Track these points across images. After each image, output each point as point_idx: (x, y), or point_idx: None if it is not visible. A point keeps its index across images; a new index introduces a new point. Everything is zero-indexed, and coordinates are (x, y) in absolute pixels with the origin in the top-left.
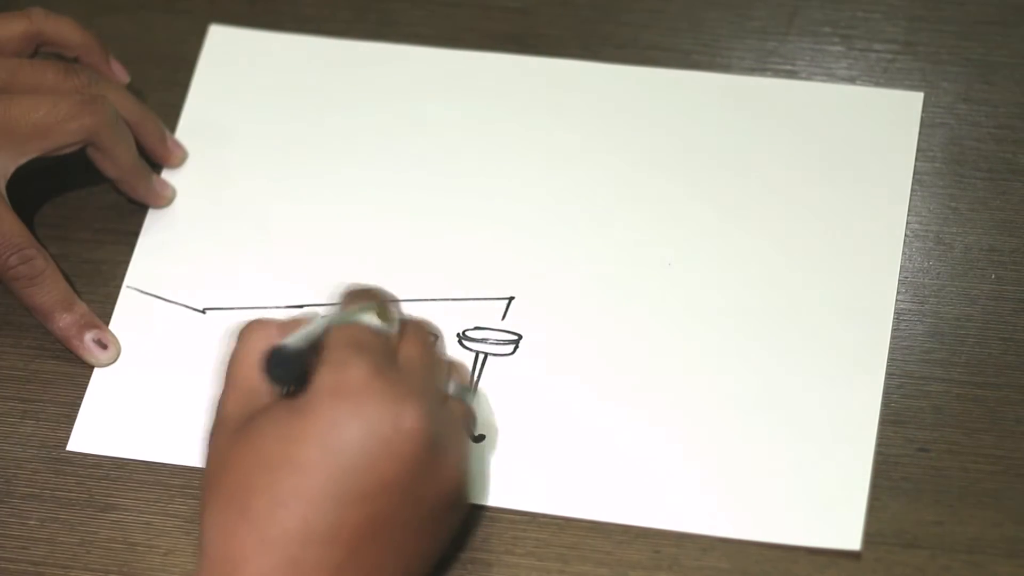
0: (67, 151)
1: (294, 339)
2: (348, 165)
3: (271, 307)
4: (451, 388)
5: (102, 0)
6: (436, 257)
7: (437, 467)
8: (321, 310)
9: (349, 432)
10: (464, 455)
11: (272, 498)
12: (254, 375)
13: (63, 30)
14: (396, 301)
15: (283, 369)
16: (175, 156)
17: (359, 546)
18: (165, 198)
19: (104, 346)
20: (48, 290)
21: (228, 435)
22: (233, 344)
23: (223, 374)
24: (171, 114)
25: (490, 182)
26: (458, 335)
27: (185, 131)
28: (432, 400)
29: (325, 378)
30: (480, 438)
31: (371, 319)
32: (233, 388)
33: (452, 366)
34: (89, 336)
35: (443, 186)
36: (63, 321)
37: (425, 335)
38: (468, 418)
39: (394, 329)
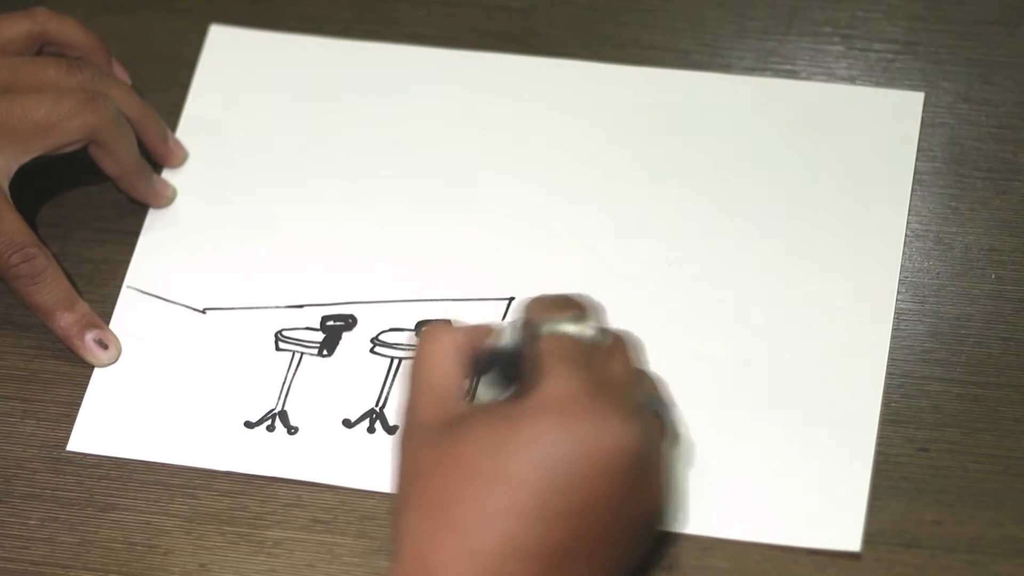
0: (69, 149)
1: (504, 340)
2: (348, 165)
3: (271, 307)
4: (649, 402)
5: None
6: (436, 257)
7: (643, 486)
8: (507, 318)
9: (563, 450)
10: (664, 473)
11: (478, 510)
12: (447, 378)
13: (67, 30)
14: (599, 310)
15: (501, 371)
16: (176, 156)
17: (560, 563)
18: (165, 198)
19: (105, 346)
20: (49, 289)
21: (427, 440)
22: (417, 347)
23: (409, 378)
24: (171, 114)
25: (490, 182)
26: None
27: (185, 131)
28: (644, 419)
29: (544, 391)
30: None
31: (583, 330)
32: (424, 392)
33: (651, 379)
34: (90, 336)
35: (443, 186)
36: (64, 320)
37: (631, 348)
38: (667, 434)
39: (606, 341)
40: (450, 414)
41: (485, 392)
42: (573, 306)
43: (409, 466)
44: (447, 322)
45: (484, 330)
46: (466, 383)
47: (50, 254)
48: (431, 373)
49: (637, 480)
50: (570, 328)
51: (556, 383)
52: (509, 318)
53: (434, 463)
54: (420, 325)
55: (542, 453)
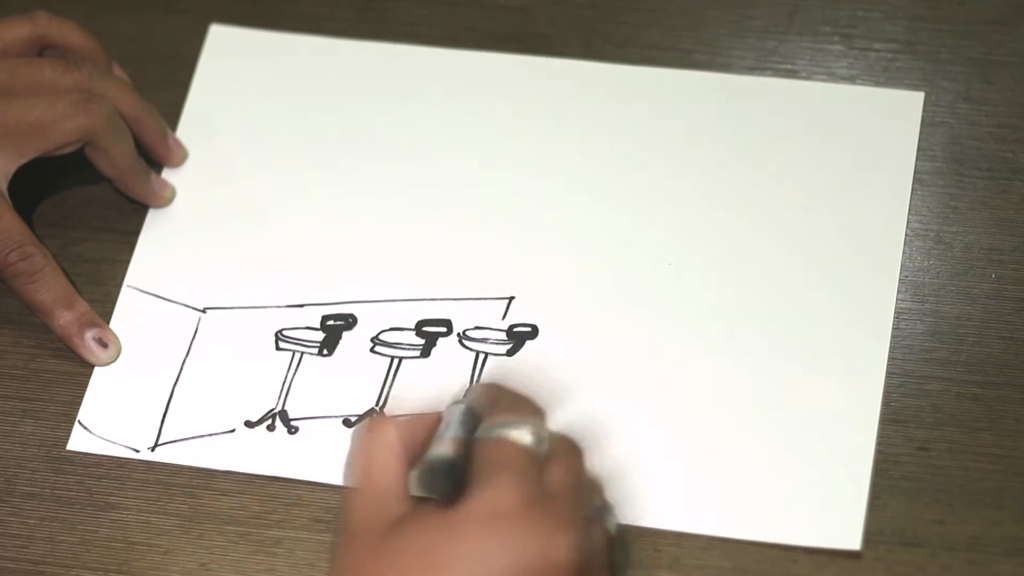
0: (66, 151)
1: (443, 448)
2: (348, 164)
3: (271, 306)
4: (593, 511)
5: None
6: (436, 256)
7: None
8: (452, 409)
9: (499, 561)
10: None
11: None
12: (384, 480)
13: (67, 33)
14: (547, 414)
15: (445, 482)
16: (175, 155)
17: None
18: (164, 198)
19: (104, 345)
20: (48, 287)
21: (365, 544)
22: (355, 447)
23: (349, 478)
24: (171, 113)
25: (490, 181)
26: (458, 335)
27: (185, 130)
28: (581, 529)
29: (478, 501)
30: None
31: (524, 436)
32: (362, 494)
33: (594, 485)
34: (90, 334)
35: (443, 185)
36: (63, 319)
37: (575, 456)
38: (609, 543)
39: (544, 448)
40: (391, 515)
41: (422, 485)
42: (519, 408)
43: (348, 570)
44: (385, 420)
45: (427, 423)
46: (408, 480)
47: (48, 253)
48: (373, 473)
49: None
50: (512, 434)
51: (494, 492)
52: (455, 409)
53: (372, 567)
54: (420, 325)
55: (479, 564)
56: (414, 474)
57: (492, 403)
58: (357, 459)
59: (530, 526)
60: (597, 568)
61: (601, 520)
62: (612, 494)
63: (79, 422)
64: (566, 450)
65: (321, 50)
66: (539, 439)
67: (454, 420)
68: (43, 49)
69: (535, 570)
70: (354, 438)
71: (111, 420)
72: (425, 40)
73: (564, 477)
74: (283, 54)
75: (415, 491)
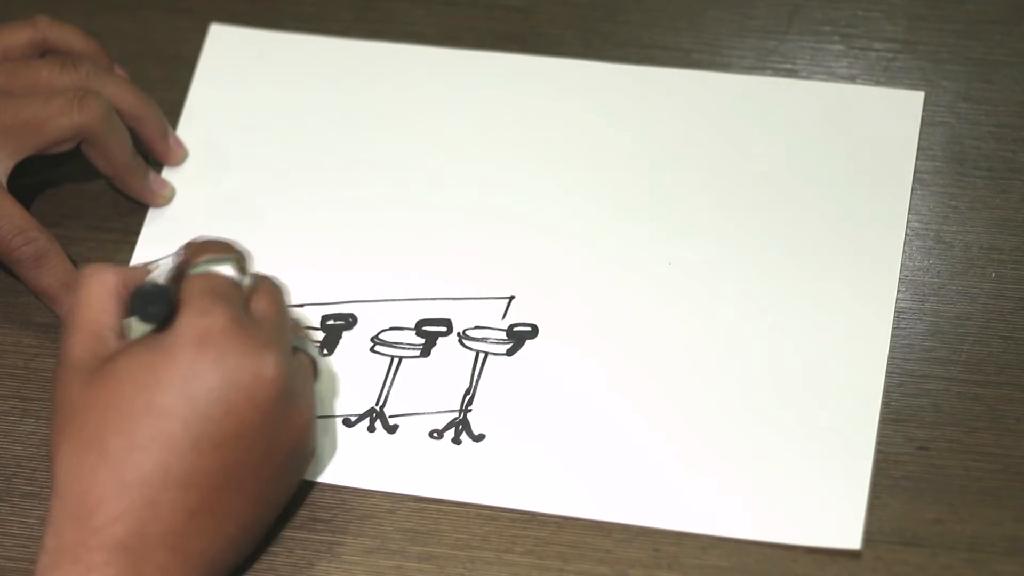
0: (63, 148)
1: (155, 280)
2: (348, 164)
3: None
4: (295, 341)
5: None
6: (436, 256)
7: (290, 415)
8: (162, 259)
9: (210, 380)
10: (312, 404)
11: (131, 441)
12: (99, 318)
13: (68, 37)
14: (249, 255)
15: (156, 306)
16: (175, 154)
17: (214, 490)
18: (162, 197)
19: None
20: (53, 272)
21: (81, 378)
22: (76, 286)
23: (66, 317)
24: (171, 113)
25: (490, 181)
26: (458, 335)
27: (185, 130)
28: (287, 352)
29: (187, 324)
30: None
31: (227, 270)
32: (79, 331)
33: (296, 320)
34: None
35: (443, 185)
36: (68, 304)
37: (276, 289)
38: (313, 368)
39: (248, 281)
40: (104, 351)
41: (140, 331)
42: (222, 249)
43: (64, 404)
44: (104, 265)
45: (142, 271)
46: (123, 322)
47: (52, 238)
48: (88, 311)
49: (285, 410)
50: (215, 268)
51: (203, 316)
52: (166, 258)
53: (88, 399)
54: (420, 324)
55: (189, 383)
56: (132, 306)
57: (199, 250)
58: (76, 299)
59: (239, 344)
60: (304, 393)
61: (304, 351)
62: (308, 330)
63: None
64: (268, 284)
65: (321, 50)
66: (242, 271)
67: (164, 263)
68: (44, 53)
69: (245, 385)
70: (75, 283)
71: None
72: (425, 40)
73: (267, 306)
74: (283, 54)
75: (130, 332)
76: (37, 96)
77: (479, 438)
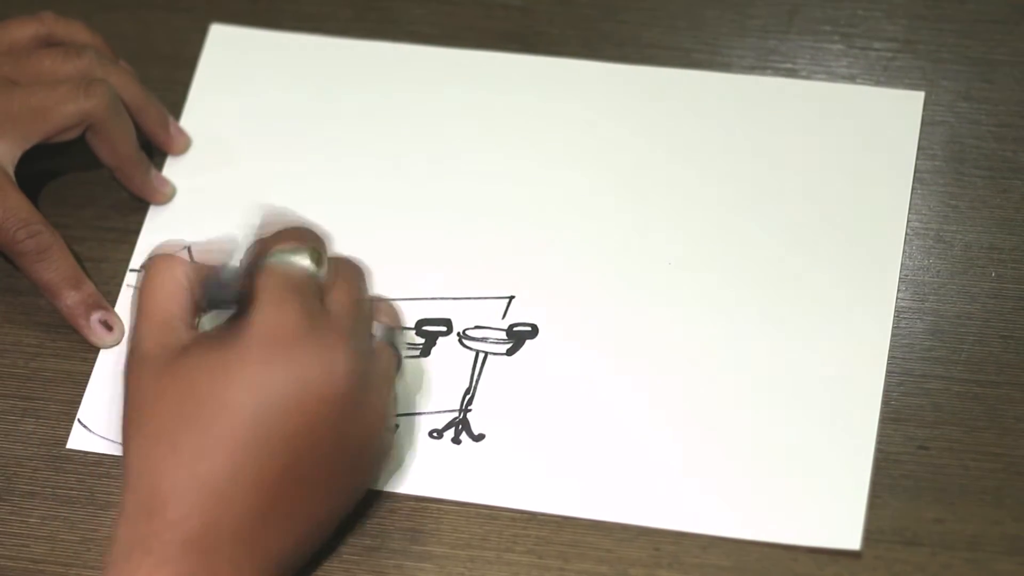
0: (69, 135)
1: (229, 273)
2: (348, 163)
3: None
4: (379, 331)
5: None
6: (436, 255)
7: (362, 412)
8: (238, 240)
9: (280, 377)
10: (388, 401)
11: (202, 437)
12: (170, 309)
13: (73, 32)
14: (327, 241)
15: (228, 298)
16: (178, 143)
17: (285, 487)
18: (163, 194)
19: (110, 328)
20: (56, 266)
21: (152, 370)
22: (144, 278)
23: (136, 306)
24: (172, 112)
25: (490, 181)
26: (458, 334)
27: (186, 129)
28: (362, 346)
29: (259, 319)
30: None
31: (303, 260)
32: (148, 320)
33: (380, 308)
34: (95, 316)
35: (443, 184)
36: (70, 299)
37: (355, 277)
38: (394, 362)
39: (325, 272)
40: (176, 342)
41: (211, 323)
42: (299, 237)
43: (135, 395)
44: (173, 251)
45: (214, 261)
46: (194, 313)
47: (56, 232)
48: (159, 302)
49: (355, 407)
50: (292, 259)
51: (276, 311)
52: (237, 244)
53: (159, 390)
54: (420, 324)
55: (261, 382)
56: (204, 298)
57: (275, 239)
58: (145, 289)
59: (311, 341)
60: (379, 389)
61: (391, 343)
62: (400, 320)
63: (79, 421)
64: (347, 272)
65: (321, 49)
66: (319, 262)
67: (236, 246)
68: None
69: (316, 383)
70: (143, 271)
71: (111, 419)
72: (425, 39)
73: (345, 297)
74: (284, 53)
75: (204, 319)
76: (43, 84)
77: (479, 438)
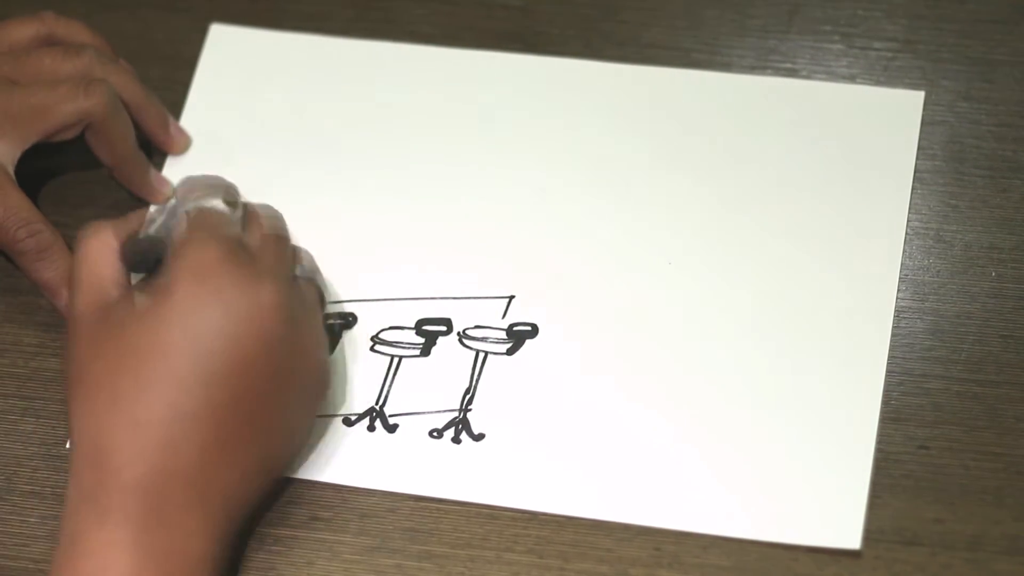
0: (69, 134)
1: (154, 227)
2: (349, 163)
3: None
4: (299, 271)
5: None
6: (436, 255)
7: (296, 343)
8: (155, 207)
9: (210, 313)
10: (320, 332)
11: (139, 381)
12: (100, 272)
13: (74, 32)
14: (237, 190)
15: (150, 252)
16: (178, 142)
17: (226, 423)
18: (162, 194)
19: None
20: (56, 266)
21: (87, 329)
22: (78, 245)
23: (71, 276)
24: (172, 112)
25: (490, 180)
26: (458, 334)
27: (186, 129)
28: (286, 279)
29: (181, 259)
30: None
31: (218, 204)
32: (81, 287)
33: (296, 250)
34: None
35: (443, 184)
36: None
37: (272, 217)
38: (317, 294)
39: (239, 212)
40: (108, 302)
41: (133, 258)
42: (209, 185)
43: (74, 358)
44: (99, 222)
45: (139, 218)
46: (126, 274)
47: (56, 231)
48: (89, 266)
49: (289, 338)
50: (207, 203)
51: (196, 248)
52: (160, 207)
53: (95, 348)
54: (420, 324)
55: (190, 318)
56: (134, 256)
57: (187, 191)
58: (76, 259)
59: (236, 273)
60: (309, 321)
61: (312, 281)
62: (316, 265)
63: None
64: (263, 214)
65: (321, 49)
66: (233, 204)
67: (158, 209)
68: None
69: (245, 315)
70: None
71: None
72: (426, 39)
73: (263, 235)
74: (284, 53)
75: (132, 280)
76: (43, 83)
77: (479, 437)
